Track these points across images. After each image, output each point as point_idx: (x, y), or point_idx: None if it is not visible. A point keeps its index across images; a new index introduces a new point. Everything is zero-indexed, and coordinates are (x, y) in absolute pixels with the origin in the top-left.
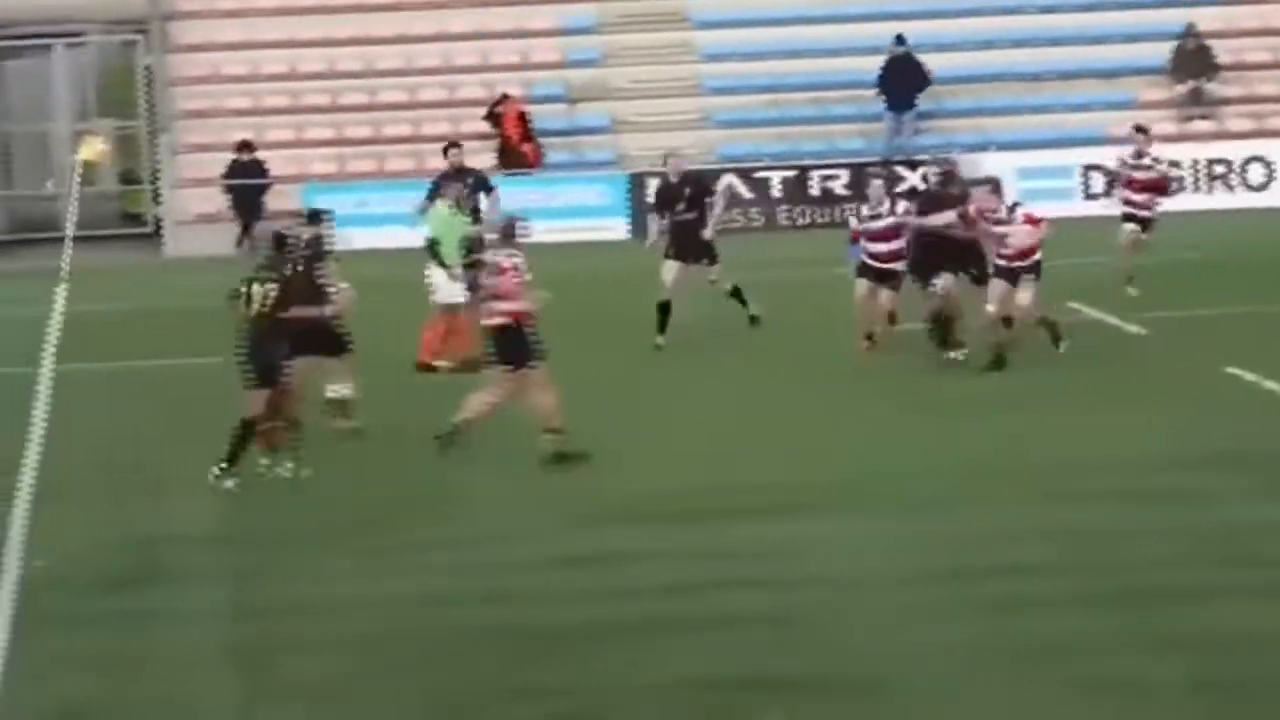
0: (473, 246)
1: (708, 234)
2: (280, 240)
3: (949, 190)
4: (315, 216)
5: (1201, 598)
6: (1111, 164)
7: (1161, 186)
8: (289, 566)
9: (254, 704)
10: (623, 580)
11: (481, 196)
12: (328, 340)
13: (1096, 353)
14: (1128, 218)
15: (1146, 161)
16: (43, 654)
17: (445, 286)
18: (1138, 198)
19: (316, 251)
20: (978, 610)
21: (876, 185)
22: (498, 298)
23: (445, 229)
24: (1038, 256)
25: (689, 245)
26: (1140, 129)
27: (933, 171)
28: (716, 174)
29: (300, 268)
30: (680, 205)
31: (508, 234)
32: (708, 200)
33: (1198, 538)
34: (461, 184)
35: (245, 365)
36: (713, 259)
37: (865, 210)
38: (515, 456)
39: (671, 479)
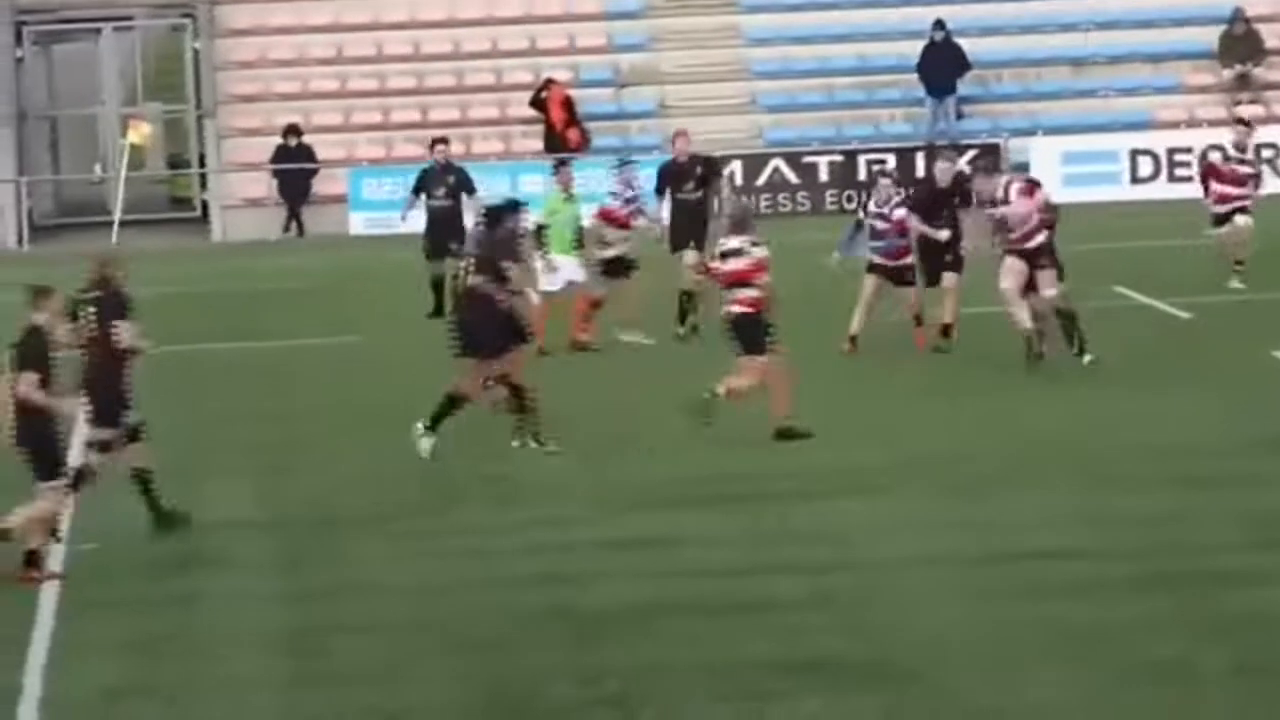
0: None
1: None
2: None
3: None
4: (514, 205)
5: (1249, 582)
6: (1211, 155)
7: (1257, 179)
8: (336, 550)
9: (300, 687)
10: (670, 564)
11: (464, 196)
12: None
13: (1143, 337)
14: (1231, 212)
15: (1249, 155)
16: (89, 637)
17: (547, 274)
18: (1235, 190)
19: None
20: (1023, 594)
21: (884, 185)
22: (740, 285)
23: (555, 215)
24: (1041, 239)
25: (692, 228)
26: (1243, 121)
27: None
28: (764, 158)
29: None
30: (689, 185)
31: (741, 222)
32: (716, 183)
33: (1246, 522)
34: (567, 168)
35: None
36: (701, 245)
37: (873, 207)
38: (565, 442)
39: (718, 464)
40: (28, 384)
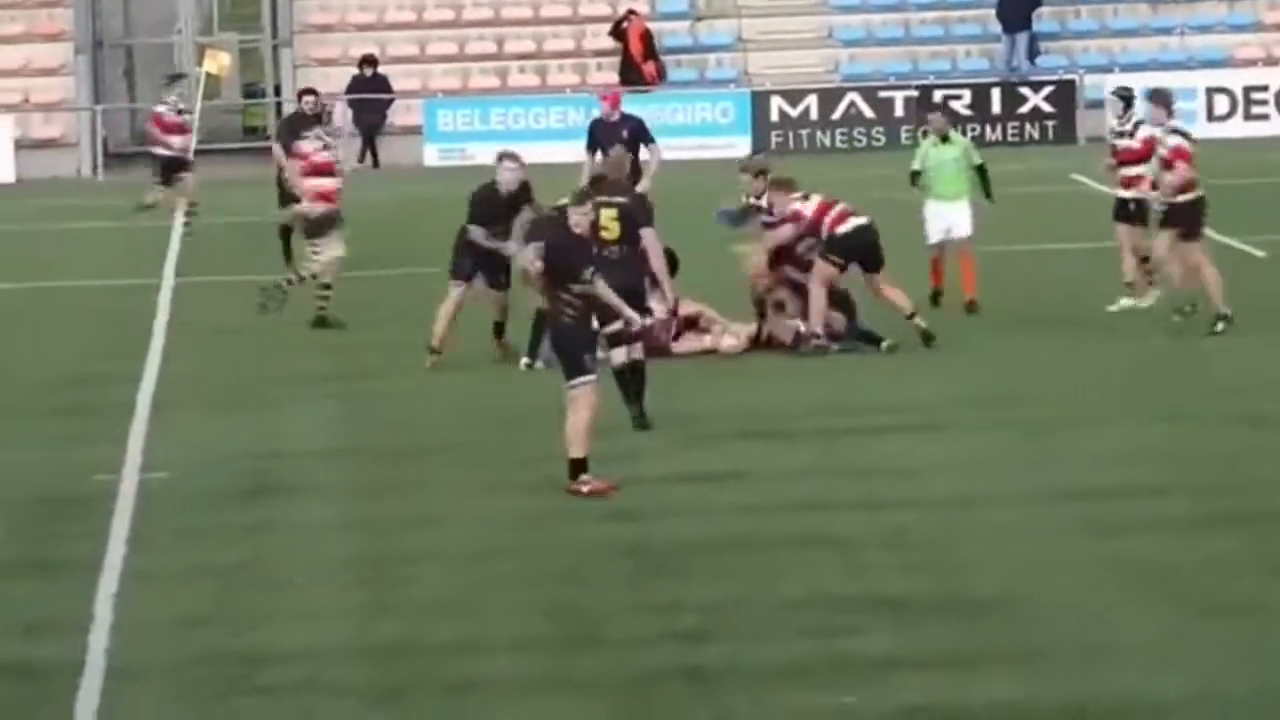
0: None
1: (642, 186)
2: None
3: None
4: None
5: None
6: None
7: None
8: (410, 480)
9: (374, 617)
10: (742, 498)
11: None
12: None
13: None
14: None
15: None
16: (161, 566)
17: (932, 221)
18: None
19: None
20: (1094, 531)
21: (938, 117)
22: None
23: (930, 162)
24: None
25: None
26: None
27: None
28: (839, 93)
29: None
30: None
31: None
32: (647, 147)
33: None
34: (943, 114)
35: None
36: None
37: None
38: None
39: (791, 397)
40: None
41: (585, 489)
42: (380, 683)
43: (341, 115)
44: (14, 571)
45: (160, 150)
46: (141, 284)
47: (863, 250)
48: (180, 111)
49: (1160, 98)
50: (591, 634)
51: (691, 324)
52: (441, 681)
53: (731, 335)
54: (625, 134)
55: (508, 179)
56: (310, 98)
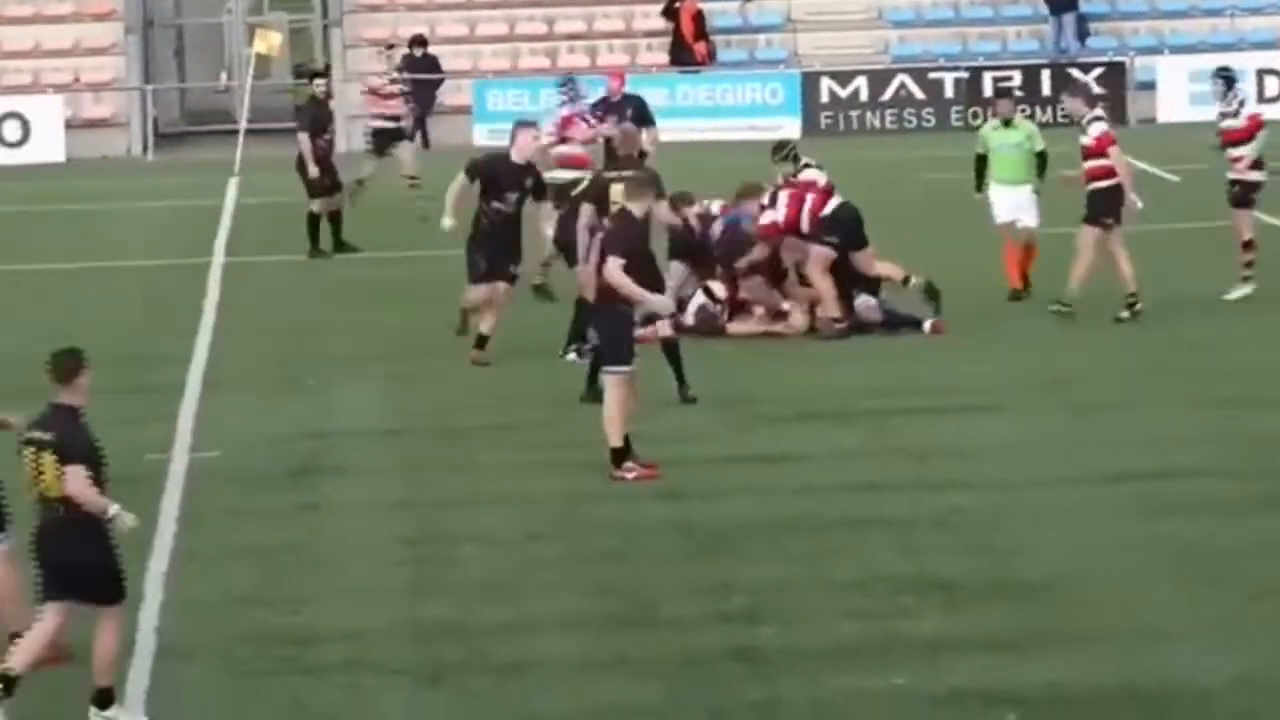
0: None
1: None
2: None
3: None
4: None
5: None
6: None
7: None
8: (458, 460)
9: (423, 597)
10: (794, 479)
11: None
12: None
13: (1273, 259)
14: None
15: None
16: (211, 545)
17: (999, 203)
18: None
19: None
20: (1147, 513)
21: (1005, 102)
22: None
23: (992, 144)
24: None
25: None
26: None
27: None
28: (889, 74)
29: None
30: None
31: None
32: (646, 129)
33: None
34: (1009, 100)
35: None
36: None
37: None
38: (690, 357)
39: (844, 379)
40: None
41: (630, 475)
42: (428, 663)
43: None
44: None
45: (377, 122)
46: (192, 264)
47: (847, 226)
48: (394, 80)
49: (1078, 89)
50: (641, 615)
51: (745, 305)
52: (489, 662)
53: (791, 317)
54: (629, 113)
55: (529, 148)
56: (322, 81)
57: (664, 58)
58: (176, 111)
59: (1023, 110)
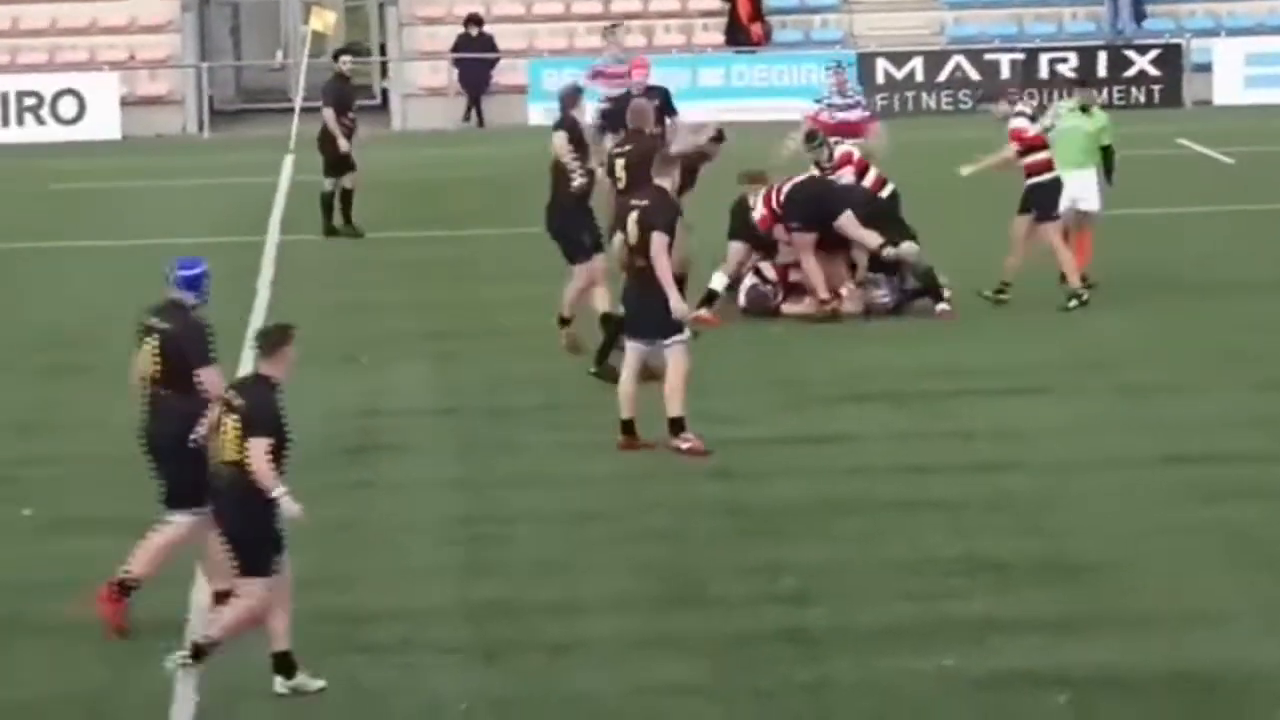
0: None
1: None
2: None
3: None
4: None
5: None
6: None
7: None
8: (510, 439)
9: (476, 576)
10: (845, 460)
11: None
12: None
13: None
14: None
15: None
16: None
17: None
18: None
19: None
20: (1199, 497)
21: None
22: None
23: (1063, 124)
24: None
25: None
26: None
27: None
28: (945, 55)
29: None
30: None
31: None
32: (670, 119)
33: None
34: (1092, 89)
35: None
36: None
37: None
38: (738, 338)
39: (896, 360)
40: None
41: (686, 446)
42: (480, 642)
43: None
44: (117, 527)
45: (605, 104)
46: (247, 241)
47: (801, 205)
48: (621, 60)
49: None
50: (692, 595)
51: (797, 287)
52: (541, 641)
53: (850, 298)
54: (655, 104)
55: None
56: (347, 58)
57: (720, 38)
58: (232, 89)
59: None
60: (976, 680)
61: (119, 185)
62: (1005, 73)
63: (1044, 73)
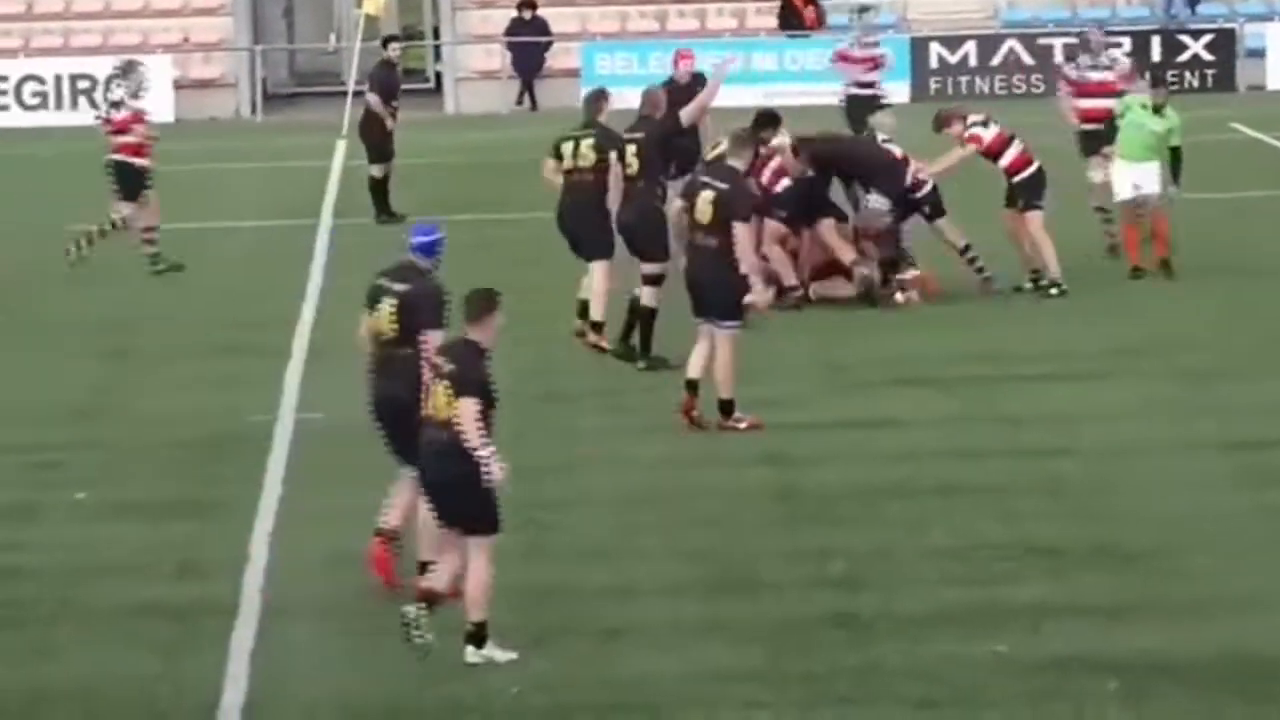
0: None
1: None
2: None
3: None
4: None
5: None
6: None
7: None
8: (561, 424)
9: (529, 562)
10: (895, 445)
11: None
12: None
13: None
14: None
15: None
16: (316, 506)
17: (1119, 178)
18: None
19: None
20: (1252, 482)
21: (1097, 35)
22: None
23: (1131, 118)
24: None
25: None
26: None
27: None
28: (999, 39)
29: None
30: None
31: None
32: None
33: None
34: (1164, 88)
35: None
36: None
37: (1085, 60)
38: (790, 324)
39: (945, 345)
40: None
41: (743, 425)
42: (531, 627)
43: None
44: (170, 512)
45: (852, 89)
46: (300, 225)
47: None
48: (865, 44)
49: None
50: (742, 580)
51: (827, 268)
52: (593, 626)
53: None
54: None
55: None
56: (396, 45)
57: (773, 22)
58: (285, 72)
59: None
60: (1027, 666)
61: (171, 169)
62: (1059, 57)
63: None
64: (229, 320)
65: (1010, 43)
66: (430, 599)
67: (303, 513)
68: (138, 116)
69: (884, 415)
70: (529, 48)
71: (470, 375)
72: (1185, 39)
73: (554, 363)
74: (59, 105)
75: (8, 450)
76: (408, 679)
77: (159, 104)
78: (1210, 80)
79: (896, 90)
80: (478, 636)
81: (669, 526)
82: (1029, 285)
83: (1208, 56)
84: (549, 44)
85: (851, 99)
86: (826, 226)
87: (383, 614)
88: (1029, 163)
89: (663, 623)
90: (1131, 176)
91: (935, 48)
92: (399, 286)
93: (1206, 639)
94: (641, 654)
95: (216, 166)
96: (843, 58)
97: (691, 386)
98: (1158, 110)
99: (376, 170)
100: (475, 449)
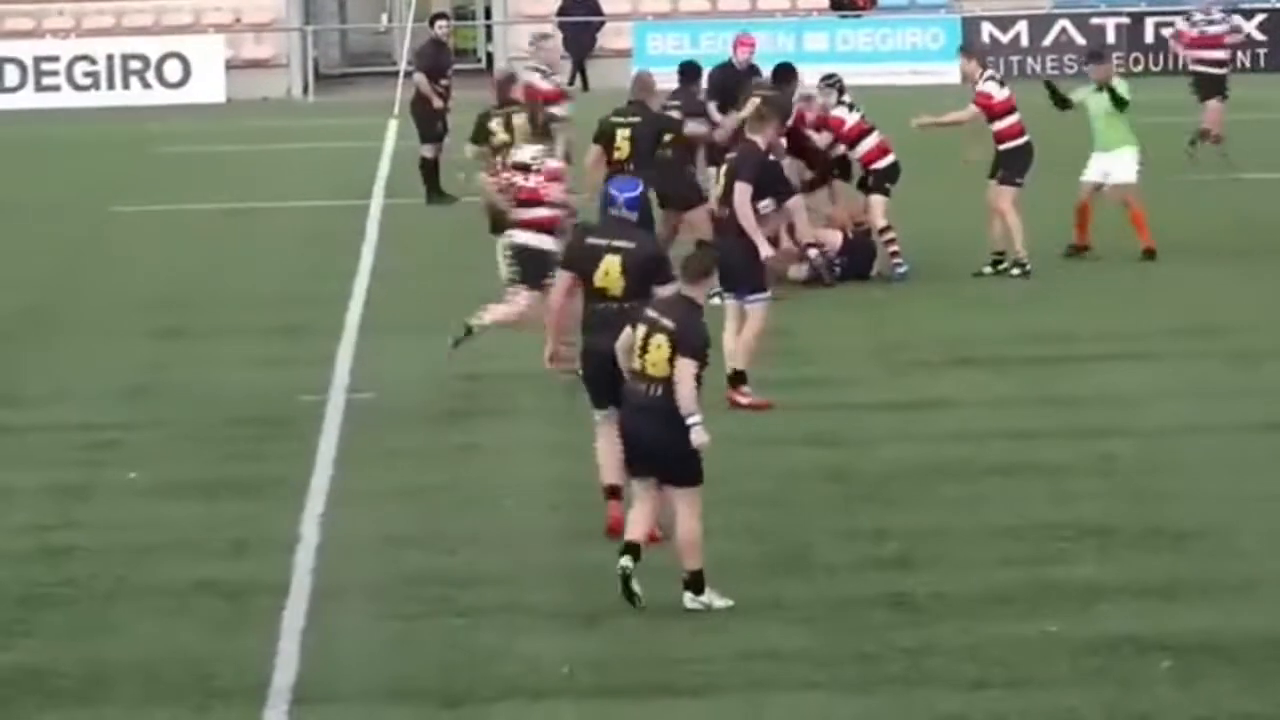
0: None
1: None
2: None
3: None
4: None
5: None
6: None
7: None
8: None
9: (577, 542)
10: (948, 426)
11: None
12: None
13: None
14: None
15: None
16: (366, 487)
17: (1091, 164)
18: None
19: None
20: None
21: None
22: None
23: (1089, 110)
24: None
25: None
26: None
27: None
28: (1050, 19)
29: None
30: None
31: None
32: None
33: None
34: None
35: None
36: None
37: (1199, 15)
38: (844, 303)
39: (999, 325)
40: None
41: (745, 401)
42: (581, 607)
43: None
44: (222, 491)
45: (1199, 67)
46: (352, 205)
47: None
48: (1212, 22)
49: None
50: (796, 560)
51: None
52: (643, 606)
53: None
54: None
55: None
56: (444, 23)
57: (824, 2)
58: (337, 52)
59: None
60: (1080, 646)
61: (223, 149)
62: (1111, 37)
63: (1149, 37)
64: (281, 299)
65: (1062, 23)
66: (634, 551)
67: (354, 493)
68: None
69: (937, 395)
70: (581, 28)
71: (693, 335)
72: (1238, 19)
73: None
74: (110, 85)
75: (63, 429)
76: (457, 659)
77: (211, 84)
78: (1263, 60)
79: (947, 70)
80: (695, 584)
81: (721, 506)
82: (989, 269)
83: (1260, 36)
84: (601, 24)
85: (1201, 78)
86: (797, 204)
87: (432, 595)
88: (1019, 134)
89: None
90: (1102, 164)
91: (987, 27)
92: (622, 243)
93: (1258, 618)
94: (693, 634)
95: (268, 147)
96: (1184, 39)
97: (737, 378)
98: (1101, 89)
99: (427, 150)
100: (691, 412)
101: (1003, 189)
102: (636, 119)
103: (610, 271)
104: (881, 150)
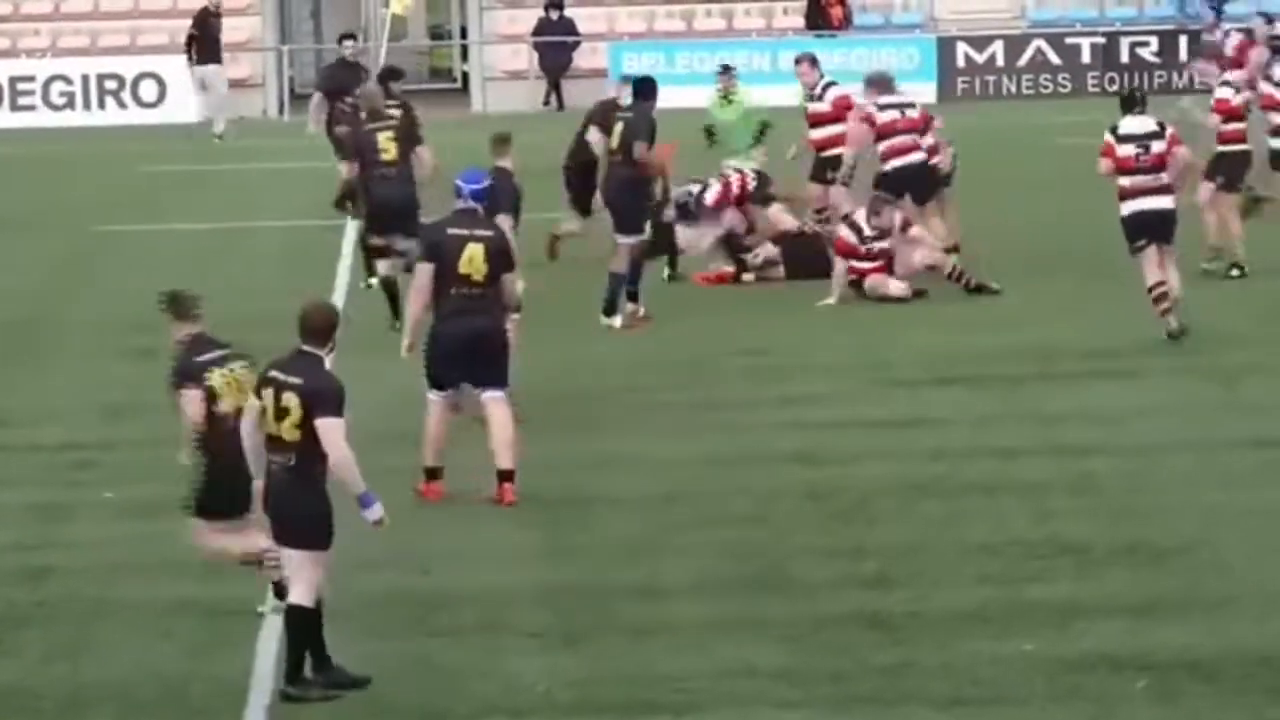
0: None
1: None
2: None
3: None
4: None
5: None
6: None
7: None
8: (591, 421)
9: (557, 559)
10: (928, 443)
11: None
12: None
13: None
14: None
15: None
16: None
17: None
18: None
19: None
20: None
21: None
22: None
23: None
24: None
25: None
26: None
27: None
28: (1026, 39)
29: None
30: None
31: None
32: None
33: None
34: (727, 74)
35: None
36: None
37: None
38: (826, 321)
39: (978, 343)
40: None
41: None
42: (562, 625)
43: None
44: None
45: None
46: (326, 225)
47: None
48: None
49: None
50: (774, 578)
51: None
52: (623, 624)
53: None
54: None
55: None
56: (350, 42)
57: (800, 21)
58: (312, 72)
59: (1159, 76)
60: (1056, 664)
61: (199, 169)
62: (1086, 57)
63: (1125, 57)
64: (255, 319)
65: (1037, 43)
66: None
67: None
68: None
69: (916, 414)
70: (556, 47)
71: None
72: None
73: (580, 361)
74: (86, 106)
75: (39, 450)
76: (434, 679)
77: (187, 104)
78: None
79: (923, 90)
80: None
81: (699, 524)
82: (1235, 272)
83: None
84: (576, 44)
85: None
86: (777, 209)
87: (407, 615)
88: (1240, 139)
89: (693, 621)
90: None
91: (962, 47)
92: (483, 232)
93: (1236, 636)
94: (672, 652)
95: (243, 166)
96: (1210, 57)
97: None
98: (728, 99)
99: (345, 169)
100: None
101: (1221, 195)
102: (630, 115)
103: (475, 258)
104: (902, 150)
